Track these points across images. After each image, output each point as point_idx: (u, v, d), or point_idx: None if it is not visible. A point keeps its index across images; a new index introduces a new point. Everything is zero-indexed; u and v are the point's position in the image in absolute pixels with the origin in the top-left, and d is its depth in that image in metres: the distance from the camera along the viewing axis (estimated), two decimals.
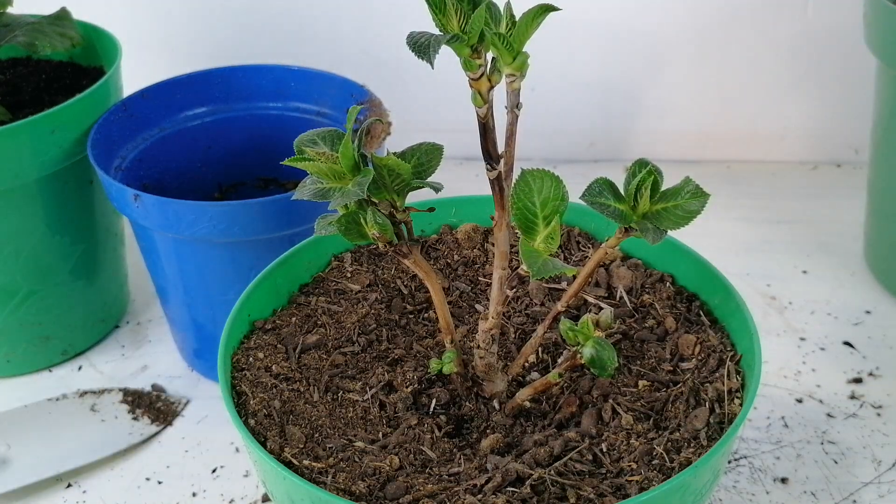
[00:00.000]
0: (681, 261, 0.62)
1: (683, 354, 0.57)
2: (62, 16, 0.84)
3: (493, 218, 0.51)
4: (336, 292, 0.64)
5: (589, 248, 0.66)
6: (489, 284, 0.59)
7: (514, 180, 0.48)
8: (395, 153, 0.50)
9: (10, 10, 0.83)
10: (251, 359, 0.58)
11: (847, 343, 0.84)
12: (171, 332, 0.86)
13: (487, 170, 0.49)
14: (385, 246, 0.50)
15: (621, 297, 0.62)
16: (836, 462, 0.72)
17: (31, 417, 0.79)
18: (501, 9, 0.47)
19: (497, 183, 0.49)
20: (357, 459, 0.51)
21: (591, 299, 0.61)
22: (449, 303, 0.61)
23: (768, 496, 0.69)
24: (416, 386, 0.57)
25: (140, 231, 0.77)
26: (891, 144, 0.84)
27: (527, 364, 0.58)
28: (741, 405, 0.53)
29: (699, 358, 0.57)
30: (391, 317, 0.62)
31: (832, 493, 0.70)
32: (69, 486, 0.74)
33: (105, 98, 0.81)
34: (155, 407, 0.80)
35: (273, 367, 0.57)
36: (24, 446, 0.76)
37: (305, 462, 0.51)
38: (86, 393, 0.81)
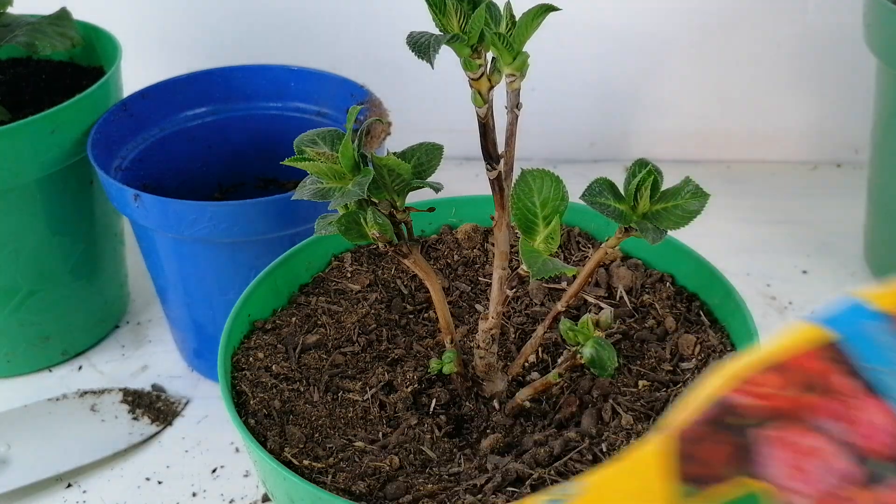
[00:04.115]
0: (681, 261, 0.62)
1: (683, 354, 0.57)
2: (62, 16, 0.84)
3: (493, 218, 0.51)
4: (336, 292, 0.64)
5: (589, 248, 0.66)
6: (489, 284, 0.59)
7: (514, 180, 0.48)
8: (395, 153, 0.50)
9: (10, 10, 0.83)
10: (251, 359, 0.58)
11: None
12: (171, 332, 0.86)
13: (487, 170, 0.49)
14: (385, 246, 0.50)
15: (621, 297, 0.62)
16: None
17: (31, 417, 0.79)
18: (501, 9, 0.47)
19: (497, 183, 0.49)
20: (357, 459, 0.51)
21: (591, 299, 0.61)
22: (449, 303, 0.61)
23: None
24: (416, 386, 0.57)
25: (140, 231, 0.77)
26: (891, 144, 0.84)
27: (527, 364, 0.58)
28: None
29: (699, 358, 0.57)
30: (391, 317, 0.62)
31: None
32: (69, 486, 0.74)
33: (105, 98, 0.81)
34: (155, 407, 0.80)
35: (273, 367, 0.57)
36: (24, 446, 0.76)
37: (305, 462, 0.51)
38: (86, 393, 0.81)
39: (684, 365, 0.56)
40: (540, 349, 0.59)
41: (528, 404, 0.55)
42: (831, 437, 0.27)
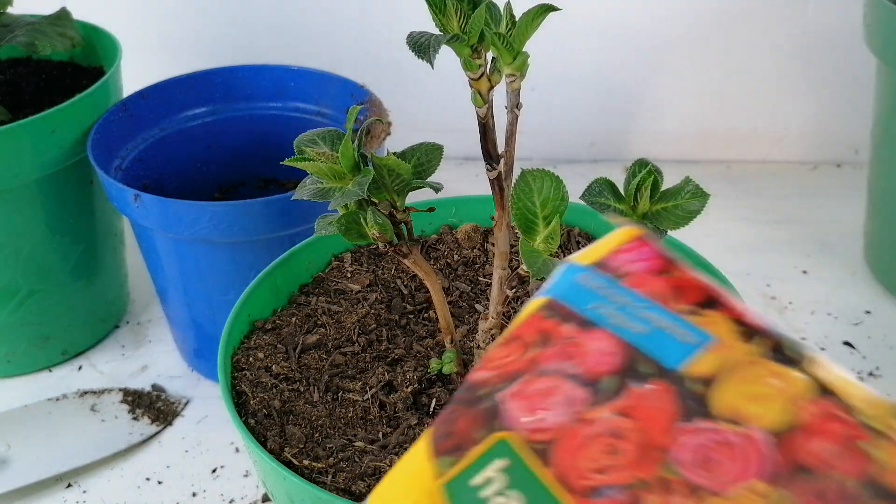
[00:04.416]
0: None
1: None
2: (62, 16, 0.84)
3: (493, 218, 0.51)
4: (336, 292, 0.64)
5: None
6: (489, 284, 0.59)
7: (514, 180, 0.48)
8: (395, 153, 0.50)
9: (10, 10, 0.83)
10: (251, 359, 0.58)
11: (847, 343, 0.84)
12: (171, 332, 0.86)
13: (487, 170, 0.49)
14: (385, 246, 0.50)
15: None
16: None
17: (31, 417, 0.79)
18: (501, 9, 0.47)
19: (497, 183, 0.49)
20: (357, 459, 0.51)
21: None
22: (449, 303, 0.61)
23: None
24: (416, 386, 0.57)
25: (140, 231, 0.77)
26: (891, 144, 0.84)
27: None
28: None
29: None
30: (391, 317, 0.62)
31: None
32: (69, 486, 0.74)
33: (105, 98, 0.81)
34: (155, 407, 0.80)
35: (273, 367, 0.57)
36: (24, 446, 0.76)
37: (305, 462, 0.51)
38: (86, 393, 0.81)
39: None
40: None
41: None
42: (560, 375, 0.30)
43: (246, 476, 0.74)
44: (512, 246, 0.55)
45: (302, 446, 0.52)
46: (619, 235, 0.33)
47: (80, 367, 0.86)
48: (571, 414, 0.29)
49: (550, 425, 0.29)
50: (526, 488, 0.28)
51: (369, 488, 0.49)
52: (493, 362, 0.31)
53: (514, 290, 0.52)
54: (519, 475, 0.29)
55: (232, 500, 0.72)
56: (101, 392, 0.81)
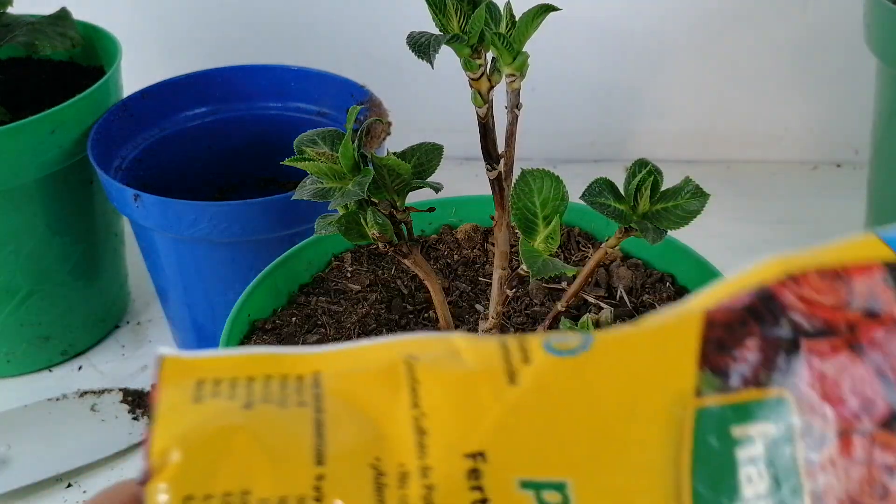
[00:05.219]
0: (681, 261, 0.62)
1: None
2: (62, 16, 0.84)
3: (493, 218, 0.51)
4: (336, 292, 0.64)
5: (589, 248, 0.66)
6: (489, 284, 0.59)
7: (514, 180, 0.48)
8: (395, 153, 0.50)
9: (10, 10, 0.83)
10: None
11: None
12: (171, 332, 0.86)
13: (487, 170, 0.49)
14: (385, 246, 0.50)
15: (621, 297, 0.62)
16: None
17: (31, 417, 0.79)
18: (501, 9, 0.47)
19: (497, 183, 0.49)
20: None
21: (591, 299, 0.61)
22: (449, 303, 0.61)
23: None
24: None
25: (140, 231, 0.77)
26: (891, 144, 0.84)
27: None
28: None
29: None
30: (391, 317, 0.62)
31: None
32: (69, 486, 0.74)
33: (105, 98, 0.81)
34: None
35: None
36: (24, 446, 0.76)
37: None
38: (86, 393, 0.81)
39: None
40: None
41: None
42: (875, 371, 0.23)
43: None
44: (512, 246, 0.55)
45: None
46: None
47: (80, 367, 0.86)
48: (863, 421, 0.22)
49: (837, 417, 0.22)
50: (782, 481, 0.22)
51: None
52: (802, 288, 0.24)
53: (514, 290, 0.52)
54: (781, 460, 0.22)
55: None
56: (101, 392, 0.81)
